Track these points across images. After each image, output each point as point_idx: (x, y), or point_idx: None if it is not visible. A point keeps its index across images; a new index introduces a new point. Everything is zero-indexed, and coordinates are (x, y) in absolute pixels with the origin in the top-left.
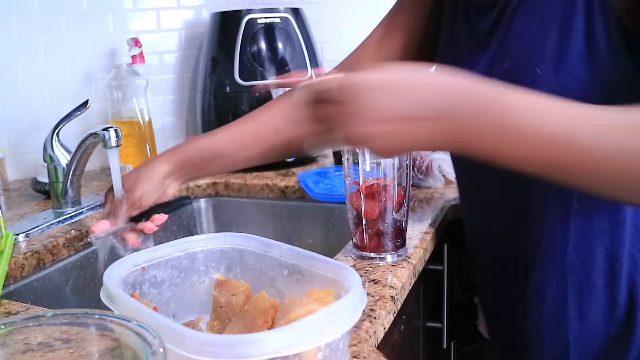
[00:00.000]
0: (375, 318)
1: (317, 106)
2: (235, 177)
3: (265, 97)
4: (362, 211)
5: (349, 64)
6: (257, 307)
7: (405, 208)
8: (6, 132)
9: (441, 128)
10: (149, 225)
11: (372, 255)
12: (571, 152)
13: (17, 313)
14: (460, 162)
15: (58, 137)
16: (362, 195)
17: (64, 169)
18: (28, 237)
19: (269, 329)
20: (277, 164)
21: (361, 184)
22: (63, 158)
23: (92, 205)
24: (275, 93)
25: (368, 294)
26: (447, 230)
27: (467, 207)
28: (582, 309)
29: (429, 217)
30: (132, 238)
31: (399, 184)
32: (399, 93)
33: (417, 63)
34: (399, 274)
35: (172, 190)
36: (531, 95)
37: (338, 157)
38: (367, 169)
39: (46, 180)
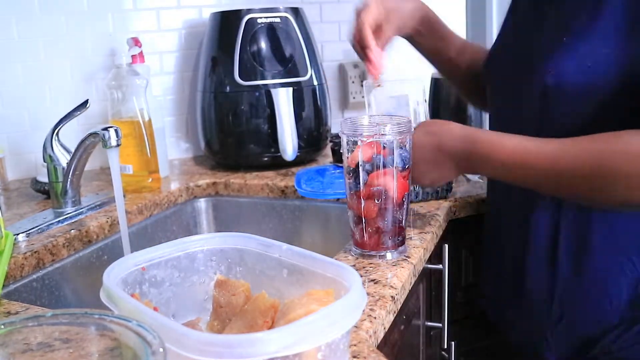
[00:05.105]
0: (375, 318)
1: None
2: (235, 177)
3: (266, 97)
4: (362, 210)
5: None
6: (257, 307)
7: (405, 206)
8: (6, 132)
9: (454, 167)
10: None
11: (372, 253)
12: (517, 176)
13: (17, 313)
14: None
15: (58, 137)
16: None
17: (63, 168)
18: (28, 237)
19: (269, 329)
20: (277, 164)
21: (361, 183)
22: (63, 158)
23: (92, 205)
24: (275, 94)
25: (368, 294)
26: (447, 230)
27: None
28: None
29: (429, 217)
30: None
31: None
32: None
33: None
34: (399, 273)
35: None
36: (496, 137)
37: (338, 156)
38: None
39: (46, 180)
